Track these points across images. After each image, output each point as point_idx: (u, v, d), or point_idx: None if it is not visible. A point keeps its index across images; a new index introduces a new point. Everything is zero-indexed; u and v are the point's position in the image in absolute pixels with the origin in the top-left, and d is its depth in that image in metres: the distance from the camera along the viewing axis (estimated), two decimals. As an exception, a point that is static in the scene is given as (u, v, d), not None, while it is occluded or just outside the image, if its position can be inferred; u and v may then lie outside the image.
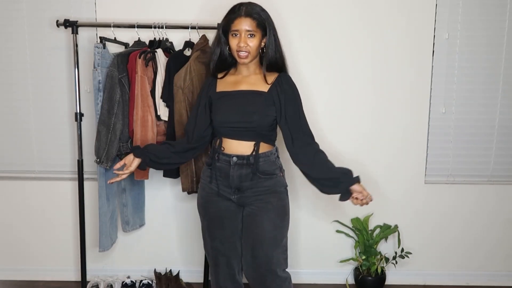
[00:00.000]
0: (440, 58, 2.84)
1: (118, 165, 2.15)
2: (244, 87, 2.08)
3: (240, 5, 2.04)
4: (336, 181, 2.03)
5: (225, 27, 2.06)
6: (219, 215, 2.11)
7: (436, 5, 2.78)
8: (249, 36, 2.00)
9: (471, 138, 2.92)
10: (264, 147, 2.06)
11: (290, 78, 2.13)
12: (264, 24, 2.03)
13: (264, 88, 2.07)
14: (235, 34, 2.02)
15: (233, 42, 2.02)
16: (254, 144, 2.04)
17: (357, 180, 2.02)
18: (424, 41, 2.80)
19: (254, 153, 2.03)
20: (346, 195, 2.03)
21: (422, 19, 2.78)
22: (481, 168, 2.95)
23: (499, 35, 2.82)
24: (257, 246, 2.04)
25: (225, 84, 2.12)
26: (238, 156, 2.04)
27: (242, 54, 2.01)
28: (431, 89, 2.86)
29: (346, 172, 2.03)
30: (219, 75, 2.16)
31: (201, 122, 2.12)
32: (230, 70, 2.16)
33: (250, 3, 2.06)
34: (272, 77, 2.09)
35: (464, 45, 2.83)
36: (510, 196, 2.96)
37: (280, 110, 2.05)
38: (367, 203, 2.03)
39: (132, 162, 2.10)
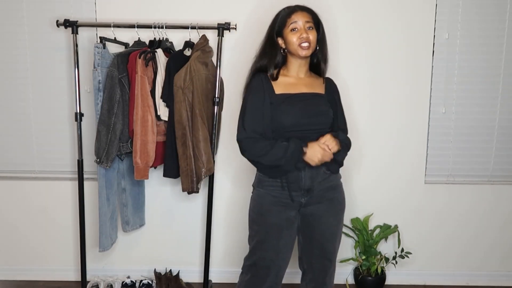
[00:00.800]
0: (440, 58, 2.84)
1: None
2: (304, 89, 2.07)
3: (288, 6, 2.07)
4: None
5: (280, 25, 2.04)
6: (279, 225, 2.04)
7: (436, 5, 2.78)
8: (308, 28, 2.01)
9: (471, 138, 2.92)
10: None
11: (333, 81, 2.20)
12: (318, 19, 2.07)
13: (321, 90, 2.11)
14: (294, 28, 2.00)
15: (293, 37, 2.00)
16: None
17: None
18: (424, 41, 2.80)
19: None
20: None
21: (422, 19, 2.78)
22: (481, 168, 2.95)
23: (499, 35, 2.82)
24: (327, 241, 2.10)
25: (283, 86, 2.05)
26: None
27: (305, 45, 1.99)
28: (431, 89, 2.86)
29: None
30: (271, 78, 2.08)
31: (268, 121, 2.01)
32: (281, 71, 2.11)
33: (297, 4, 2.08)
34: (321, 79, 2.16)
35: (464, 45, 2.83)
36: (510, 196, 2.96)
37: (336, 112, 2.12)
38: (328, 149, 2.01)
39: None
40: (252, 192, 2.15)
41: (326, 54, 2.13)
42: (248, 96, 2.06)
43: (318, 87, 2.11)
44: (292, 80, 2.08)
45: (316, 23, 2.06)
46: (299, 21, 2.00)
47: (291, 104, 2.02)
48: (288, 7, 2.06)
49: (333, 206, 2.10)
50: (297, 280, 2.28)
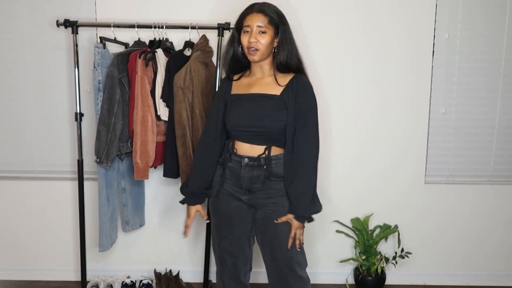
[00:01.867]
0: (440, 58, 2.84)
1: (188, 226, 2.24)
2: (256, 90, 2.04)
3: (254, 3, 2.04)
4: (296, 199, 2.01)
5: (238, 25, 2.04)
6: (229, 214, 2.10)
7: (436, 5, 2.78)
8: (260, 32, 1.98)
9: (471, 138, 2.92)
10: (276, 150, 2.03)
11: (305, 79, 2.05)
12: (277, 21, 1.99)
13: (277, 91, 2.01)
14: (246, 30, 1.99)
15: (244, 39, 1.99)
16: (266, 148, 2.01)
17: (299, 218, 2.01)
18: (424, 41, 2.80)
19: (265, 156, 2.01)
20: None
21: (422, 19, 2.78)
22: (481, 168, 2.95)
23: (499, 35, 2.82)
24: (276, 248, 2.05)
25: (240, 86, 2.10)
26: (249, 158, 2.02)
27: (252, 50, 1.97)
28: (431, 89, 2.86)
29: (304, 206, 2.01)
30: (235, 77, 2.13)
31: (220, 121, 2.11)
32: (246, 72, 2.12)
33: (264, 2, 2.06)
34: (286, 79, 2.03)
35: (464, 45, 2.83)
36: (510, 196, 2.96)
37: (293, 114, 1.98)
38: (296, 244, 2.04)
39: (194, 213, 2.21)
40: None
41: (286, 54, 2.00)
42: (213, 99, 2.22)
43: (275, 88, 2.01)
44: (251, 80, 2.09)
45: (275, 26, 1.99)
46: (252, 24, 1.98)
47: (237, 105, 2.05)
48: (247, 8, 2.03)
49: (281, 213, 2.01)
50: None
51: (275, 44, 2.01)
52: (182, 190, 2.21)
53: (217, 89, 2.28)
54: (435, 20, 2.79)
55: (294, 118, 1.98)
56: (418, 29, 2.79)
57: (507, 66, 2.85)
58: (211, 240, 2.23)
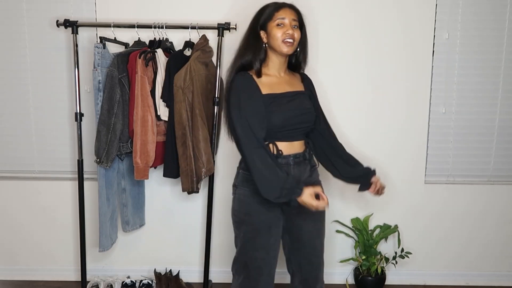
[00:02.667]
0: (440, 58, 2.84)
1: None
2: (287, 88, 2.05)
3: (275, 1, 2.05)
4: (357, 170, 2.18)
5: (265, 19, 2.00)
6: (267, 224, 2.02)
7: (436, 5, 2.78)
8: (294, 26, 1.99)
9: (471, 138, 2.92)
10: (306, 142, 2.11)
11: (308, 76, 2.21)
12: (303, 20, 2.06)
13: (301, 87, 2.12)
14: (280, 24, 1.98)
15: (278, 31, 1.96)
16: (304, 142, 2.08)
17: (374, 172, 2.17)
18: (424, 41, 2.80)
19: (307, 149, 2.08)
20: (366, 185, 2.15)
21: (422, 19, 2.78)
22: (481, 168, 2.95)
23: (499, 35, 2.82)
24: (317, 237, 2.12)
25: (267, 86, 2.00)
26: (294, 155, 2.02)
27: (289, 41, 1.96)
28: (431, 89, 2.86)
29: (363, 166, 2.20)
30: (255, 77, 2.01)
31: (265, 123, 1.96)
32: (261, 69, 2.06)
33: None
34: (299, 76, 2.16)
35: (464, 45, 2.83)
36: (510, 196, 2.96)
37: (317, 108, 2.16)
38: (383, 193, 2.16)
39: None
40: (235, 192, 2.10)
41: (306, 56, 2.13)
42: (242, 94, 1.95)
43: (298, 85, 2.11)
44: (274, 79, 2.05)
45: (301, 24, 2.05)
46: (287, 17, 1.98)
47: (279, 105, 1.99)
48: (276, 2, 2.04)
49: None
50: (286, 280, 2.26)
51: None
52: (295, 190, 1.91)
53: (244, 87, 1.98)
54: (435, 20, 2.80)
55: (316, 110, 2.14)
56: (418, 29, 2.79)
57: (507, 66, 2.85)
58: (237, 256, 2.12)
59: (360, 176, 2.16)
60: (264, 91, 1.99)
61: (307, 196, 1.88)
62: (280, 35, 1.97)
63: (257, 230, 2.03)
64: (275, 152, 1.99)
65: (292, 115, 2.00)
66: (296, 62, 2.11)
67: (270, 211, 2.02)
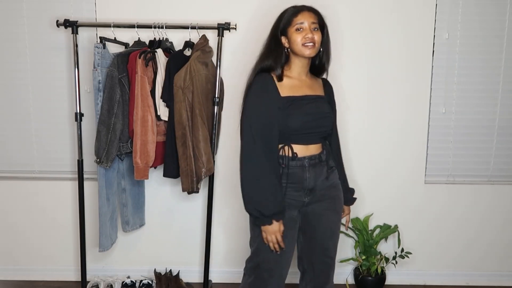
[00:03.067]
0: (440, 58, 2.84)
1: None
2: (308, 91, 2.05)
3: (295, 5, 2.05)
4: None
5: (285, 25, 2.01)
6: (284, 226, 2.00)
7: (436, 5, 2.78)
8: (314, 29, 1.99)
9: (471, 138, 2.92)
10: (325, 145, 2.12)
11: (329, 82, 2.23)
12: (323, 20, 2.06)
13: (321, 92, 2.13)
14: (299, 28, 1.98)
15: (298, 36, 1.97)
16: (322, 145, 2.08)
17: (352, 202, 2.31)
18: (424, 41, 2.80)
19: (325, 152, 2.08)
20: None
21: (422, 19, 2.78)
22: (481, 168, 2.95)
23: (499, 35, 2.82)
24: (329, 238, 2.11)
25: (287, 88, 2.02)
26: (309, 157, 2.02)
27: (310, 44, 1.96)
28: (431, 89, 2.86)
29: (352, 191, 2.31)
30: (276, 79, 2.02)
31: (277, 127, 1.97)
32: (283, 72, 2.06)
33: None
34: (320, 81, 2.17)
35: (464, 45, 2.83)
36: (510, 196, 2.96)
37: (335, 115, 2.20)
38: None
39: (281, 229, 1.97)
40: None
41: (329, 56, 2.13)
42: (255, 99, 1.98)
43: (319, 89, 2.12)
44: (296, 82, 2.05)
45: (321, 25, 2.05)
46: (305, 21, 1.98)
47: (297, 107, 1.99)
48: (295, 6, 2.04)
49: (334, 203, 2.11)
50: (297, 280, 2.27)
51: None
52: (264, 218, 1.95)
53: (259, 90, 1.99)
54: (435, 20, 2.80)
55: (334, 116, 2.19)
56: (418, 29, 2.79)
57: (507, 66, 2.85)
58: (251, 256, 2.10)
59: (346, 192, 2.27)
60: (284, 93, 2.00)
61: (271, 229, 1.94)
62: (300, 39, 1.97)
63: None
64: (290, 155, 1.99)
65: (310, 118, 2.01)
66: (319, 63, 2.11)
67: (286, 213, 2.00)
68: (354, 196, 2.32)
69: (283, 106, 1.97)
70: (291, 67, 2.06)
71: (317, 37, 1.99)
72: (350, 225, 2.24)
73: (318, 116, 2.04)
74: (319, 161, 2.04)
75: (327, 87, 2.18)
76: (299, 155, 2.00)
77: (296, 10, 2.01)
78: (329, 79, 2.82)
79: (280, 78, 2.02)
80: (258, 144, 1.92)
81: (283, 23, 2.02)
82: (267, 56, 2.04)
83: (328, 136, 2.15)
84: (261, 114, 1.95)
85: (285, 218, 2.00)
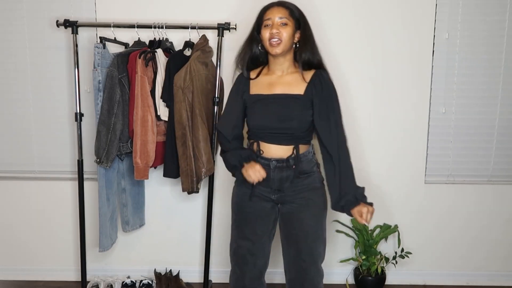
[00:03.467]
0: (440, 58, 2.84)
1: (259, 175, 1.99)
2: (279, 90, 2.03)
3: (272, 2, 2.06)
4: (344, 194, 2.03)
5: (258, 21, 2.03)
6: (254, 215, 2.08)
7: (436, 5, 2.78)
8: (281, 24, 1.97)
9: (471, 138, 2.92)
10: (302, 148, 2.04)
11: (327, 74, 2.06)
12: (297, 14, 2.01)
13: (300, 90, 2.02)
14: (267, 24, 1.98)
15: (266, 32, 1.98)
16: (294, 147, 2.01)
17: (362, 201, 2.03)
18: (424, 41, 2.80)
19: (294, 156, 2.01)
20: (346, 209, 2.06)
21: (422, 19, 2.78)
22: (481, 168, 2.95)
23: (499, 35, 2.82)
24: (302, 241, 2.06)
25: (259, 86, 2.06)
26: (277, 160, 2.01)
27: (274, 41, 1.95)
28: (431, 89, 2.86)
29: (358, 191, 2.04)
30: (252, 75, 2.10)
31: (240, 122, 2.09)
32: (263, 70, 2.10)
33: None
34: (308, 75, 2.04)
35: (464, 45, 2.83)
36: (510, 196, 2.96)
37: (319, 112, 2.00)
38: (366, 222, 2.03)
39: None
40: (234, 182, 2.21)
41: (311, 50, 2.03)
42: (228, 96, 2.17)
43: (297, 87, 2.02)
44: (271, 79, 2.06)
45: (296, 19, 2.01)
46: (273, 17, 1.98)
47: (261, 107, 2.02)
48: (267, 4, 2.05)
49: (309, 207, 2.06)
50: (279, 280, 2.28)
51: (296, 39, 2.02)
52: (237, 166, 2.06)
53: (232, 89, 2.16)
54: (435, 20, 2.79)
55: (321, 114, 2.00)
56: (418, 29, 2.79)
57: (507, 66, 2.85)
58: (230, 242, 2.19)
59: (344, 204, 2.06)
60: (254, 91, 2.05)
61: (250, 165, 1.99)
62: (267, 35, 1.98)
63: (243, 219, 2.11)
64: (255, 151, 2.05)
65: (272, 118, 2.00)
66: (298, 60, 2.04)
67: (258, 204, 2.07)
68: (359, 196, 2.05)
69: (250, 103, 2.04)
70: (269, 64, 2.08)
71: (285, 33, 1.96)
72: (366, 223, 2.05)
73: (282, 117, 1.99)
74: (286, 166, 2.02)
75: (316, 82, 2.02)
76: (267, 155, 2.03)
77: (265, 8, 2.02)
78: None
79: (248, 77, 2.08)
80: (224, 129, 2.10)
81: (256, 22, 2.05)
82: (240, 53, 2.12)
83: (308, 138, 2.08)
84: (229, 107, 2.13)
85: (256, 208, 2.07)
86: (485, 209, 2.96)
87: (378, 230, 2.93)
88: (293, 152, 2.01)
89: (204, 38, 2.57)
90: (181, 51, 2.61)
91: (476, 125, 2.91)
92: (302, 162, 2.03)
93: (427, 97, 2.86)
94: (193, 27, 2.53)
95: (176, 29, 2.55)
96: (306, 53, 2.03)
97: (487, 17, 2.81)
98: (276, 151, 2.02)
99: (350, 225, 2.93)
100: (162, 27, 2.53)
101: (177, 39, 2.68)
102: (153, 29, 2.53)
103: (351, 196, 2.02)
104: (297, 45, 2.03)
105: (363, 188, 2.07)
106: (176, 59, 2.54)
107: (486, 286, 3.01)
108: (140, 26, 2.54)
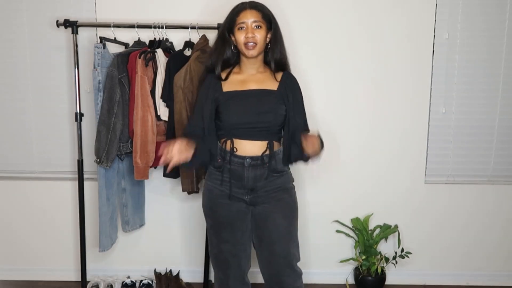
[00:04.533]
0: (440, 58, 2.84)
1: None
2: (253, 86, 2.06)
3: (242, 2, 2.06)
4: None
5: (230, 24, 2.04)
6: (230, 218, 2.07)
7: (436, 5, 2.78)
8: (255, 27, 2.00)
9: (471, 138, 2.92)
10: (275, 146, 2.06)
11: (294, 77, 2.14)
12: (269, 16, 2.04)
13: (273, 86, 2.07)
14: (241, 27, 2.00)
15: (240, 35, 2.00)
16: (268, 143, 2.03)
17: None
18: (424, 41, 2.80)
19: (268, 153, 2.02)
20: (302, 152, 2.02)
21: (422, 19, 2.78)
22: (481, 168, 2.95)
23: (499, 35, 2.82)
24: (275, 242, 2.05)
25: (232, 83, 2.08)
26: (252, 158, 2.02)
27: (250, 45, 1.99)
28: (431, 89, 2.86)
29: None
30: (223, 75, 2.10)
31: (209, 121, 2.06)
32: (233, 69, 2.12)
33: (252, 0, 2.08)
34: (278, 75, 2.10)
35: (464, 45, 2.83)
36: (510, 196, 2.96)
37: (292, 108, 2.06)
38: (313, 147, 1.97)
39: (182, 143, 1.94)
40: (204, 186, 2.17)
41: (279, 51, 2.08)
42: (199, 94, 2.14)
43: (270, 83, 2.07)
44: (243, 77, 2.09)
45: (268, 21, 2.04)
46: (247, 20, 2.00)
47: (237, 102, 2.03)
48: (239, 4, 2.05)
49: (281, 207, 2.07)
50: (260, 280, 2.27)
51: (267, 39, 2.06)
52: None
53: (201, 89, 2.16)
54: (435, 20, 2.79)
55: (294, 110, 2.07)
56: (418, 29, 2.79)
57: (507, 66, 2.85)
58: (210, 249, 2.19)
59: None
60: (226, 88, 2.06)
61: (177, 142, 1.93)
62: (242, 39, 2.01)
63: (221, 223, 2.09)
64: (228, 149, 2.03)
65: (248, 112, 2.02)
66: (270, 59, 2.08)
67: (232, 206, 2.06)
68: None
69: (223, 100, 2.03)
70: (240, 64, 2.10)
71: (259, 35, 2.00)
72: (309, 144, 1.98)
73: (259, 110, 2.02)
74: (261, 163, 2.03)
75: (285, 82, 2.09)
76: (241, 152, 2.02)
77: (239, 10, 2.03)
78: (328, 80, 2.83)
79: (220, 78, 2.07)
80: (189, 127, 2.12)
81: (228, 23, 2.05)
82: (212, 54, 2.11)
83: (279, 133, 2.09)
84: (197, 108, 2.11)
85: (232, 211, 2.05)
86: (485, 209, 2.96)
87: (378, 230, 2.93)
88: (267, 149, 2.03)
89: (204, 38, 2.57)
90: (181, 51, 2.61)
91: (476, 125, 2.91)
92: (276, 160, 2.04)
93: (427, 97, 2.86)
94: (193, 27, 2.53)
95: (176, 29, 2.55)
96: (277, 53, 2.08)
97: (487, 17, 2.81)
98: (251, 148, 2.02)
99: (350, 225, 2.93)
100: (162, 27, 2.53)
101: (177, 39, 2.68)
102: (153, 29, 2.53)
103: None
104: (268, 45, 2.08)
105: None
106: (176, 59, 2.54)
107: (486, 286, 3.00)
108: (140, 26, 2.54)
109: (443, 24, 2.81)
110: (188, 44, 2.61)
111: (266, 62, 2.12)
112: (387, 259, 2.90)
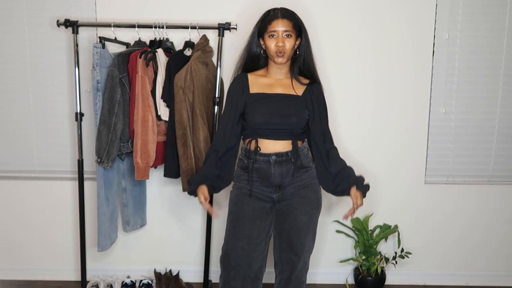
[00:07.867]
0: (440, 58, 2.84)
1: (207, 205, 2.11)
2: (280, 90, 2.15)
3: (274, 9, 2.14)
4: (342, 178, 2.16)
5: (261, 29, 2.13)
6: (252, 215, 2.11)
7: (436, 5, 2.78)
8: (285, 36, 2.08)
9: (471, 138, 2.92)
10: (299, 144, 2.15)
11: (321, 87, 2.23)
12: (299, 25, 2.13)
13: (299, 92, 2.16)
14: (272, 35, 2.08)
15: (271, 43, 2.08)
16: (292, 142, 2.11)
17: (357, 182, 2.13)
18: (424, 41, 2.81)
19: (292, 150, 2.10)
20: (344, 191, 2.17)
21: (422, 19, 2.79)
22: (482, 168, 2.95)
23: (499, 35, 2.83)
24: (294, 236, 2.12)
25: (259, 86, 2.17)
26: (277, 154, 2.09)
27: (280, 53, 2.07)
28: (431, 89, 2.86)
29: (354, 176, 2.16)
30: (250, 76, 2.19)
31: (237, 121, 2.15)
32: (260, 72, 2.21)
33: (283, 7, 2.15)
34: (305, 81, 2.20)
35: (464, 45, 2.83)
36: (510, 196, 2.96)
37: (313, 114, 2.16)
38: (352, 212, 2.13)
39: (205, 193, 2.09)
40: (232, 186, 2.23)
41: (308, 59, 2.19)
42: (226, 99, 2.23)
43: (296, 89, 2.17)
44: (270, 81, 2.18)
45: (298, 30, 2.12)
46: (278, 29, 2.08)
47: (263, 103, 2.12)
48: (271, 11, 2.13)
49: (304, 203, 2.14)
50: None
51: (296, 46, 2.14)
52: (190, 187, 2.16)
53: (229, 91, 2.23)
54: (435, 20, 2.80)
55: (315, 117, 2.17)
56: (418, 29, 2.79)
57: (507, 66, 2.85)
58: (222, 246, 2.19)
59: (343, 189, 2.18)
60: (253, 90, 2.15)
61: (199, 194, 2.09)
62: (272, 46, 2.09)
63: (240, 219, 2.12)
64: (253, 149, 2.10)
65: (273, 114, 2.10)
66: (301, 66, 2.18)
67: (255, 203, 2.11)
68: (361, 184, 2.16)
69: (250, 101, 2.12)
70: (268, 67, 2.19)
71: (289, 44, 2.09)
72: (352, 217, 2.19)
73: (283, 113, 2.10)
74: (287, 159, 2.10)
75: (311, 89, 2.19)
76: (265, 151, 2.10)
77: (271, 18, 2.11)
78: (329, 80, 2.83)
79: (245, 76, 2.18)
80: (220, 136, 2.18)
81: (260, 29, 2.14)
82: (243, 56, 2.22)
83: (304, 136, 2.19)
84: (226, 107, 2.19)
85: (255, 208, 2.11)
86: (485, 210, 2.97)
87: (378, 230, 2.93)
88: (292, 147, 2.11)
89: (204, 38, 2.57)
90: (182, 51, 2.61)
91: (477, 125, 2.91)
92: (300, 155, 2.12)
93: (427, 97, 2.86)
94: (193, 27, 2.53)
95: (176, 29, 2.55)
96: (304, 61, 2.18)
97: (487, 17, 2.81)
98: (274, 146, 2.11)
99: (350, 225, 2.93)
100: (162, 27, 2.53)
101: (178, 39, 2.68)
102: (153, 29, 2.53)
103: (352, 178, 2.15)
104: (297, 52, 2.17)
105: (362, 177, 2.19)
106: (177, 59, 2.54)
107: (486, 286, 3.01)
108: (141, 26, 2.54)
109: (443, 24, 2.81)
110: (189, 44, 2.61)
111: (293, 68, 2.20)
112: (387, 259, 2.90)
